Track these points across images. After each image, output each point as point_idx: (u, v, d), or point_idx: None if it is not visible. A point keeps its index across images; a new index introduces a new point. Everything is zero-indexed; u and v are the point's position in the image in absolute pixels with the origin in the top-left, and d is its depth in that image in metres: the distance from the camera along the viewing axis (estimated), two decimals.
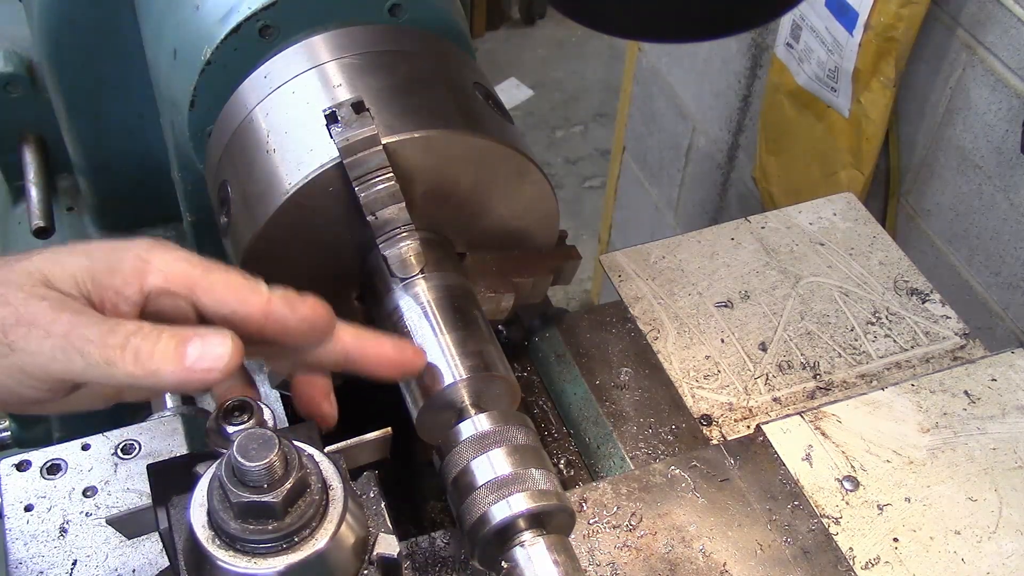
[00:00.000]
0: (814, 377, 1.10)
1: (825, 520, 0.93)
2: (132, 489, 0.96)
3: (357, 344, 0.77)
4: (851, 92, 1.78)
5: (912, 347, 1.13)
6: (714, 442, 1.03)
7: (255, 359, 0.78)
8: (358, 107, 0.84)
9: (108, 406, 0.77)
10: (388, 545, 0.73)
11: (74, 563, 0.90)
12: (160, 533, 0.77)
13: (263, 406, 0.75)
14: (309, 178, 0.86)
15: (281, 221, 0.88)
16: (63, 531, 0.92)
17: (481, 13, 4.80)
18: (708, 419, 1.06)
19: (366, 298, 0.95)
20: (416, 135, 0.88)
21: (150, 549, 0.91)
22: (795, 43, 1.91)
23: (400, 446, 0.86)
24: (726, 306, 1.17)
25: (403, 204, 0.86)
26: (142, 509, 0.79)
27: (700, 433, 1.06)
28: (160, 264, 0.71)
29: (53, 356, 0.65)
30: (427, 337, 0.86)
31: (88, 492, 0.95)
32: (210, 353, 0.66)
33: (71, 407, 0.74)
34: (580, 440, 1.11)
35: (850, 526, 0.93)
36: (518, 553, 0.77)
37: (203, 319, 0.72)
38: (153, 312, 0.71)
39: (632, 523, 0.93)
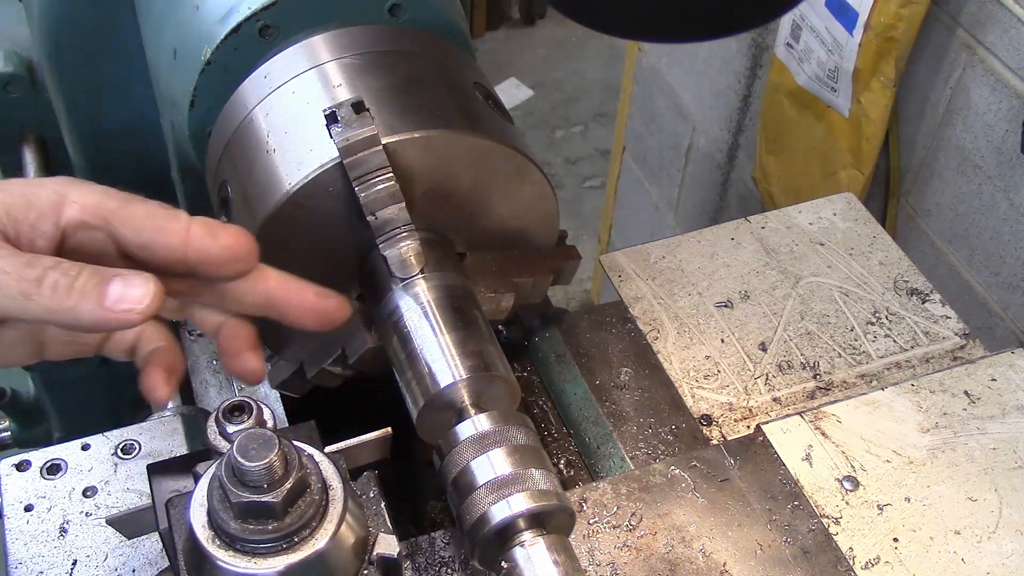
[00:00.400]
0: (814, 377, 1.10)
1: (825, 520, 0.93)
2: (132, 489, 0.96)
3: (281, 287, 0.76)
4: (851, 92, 1.78)
5: (912, 347, 1.13)
6: (714, 442, 1.03)
7: (179, 298, 0.76)
8: (358, 107, 0.83)
9: (32, 361, 0.77)
10: (388, 545, 0.73)
11: (74, 563, 0.90)
12: (160, 533, 0.77)
13: (263, 406, 0.75)
14: (309, 178, 0.86)
15: (281, 221, 0.88)
16: (63, 531, 0.92)
17: (481, 13, 4.80)
18: (708, 419, 1.06)
19: (366, 298, 0.95)
20: (416, 135, 0.88)
21: (150, 549, 0.91)
22: (795, 43, 1.91)
23: (400, 446, 0.86)
24: (726, 306, 1.17)
25: (403, 204, 0.86)
26: (142, 509, 0.79)
27: (700, 433, 1.06)
28: (76, 196, 0.69)
29: None
30: (427, 337, 0.86)
31: (88, 492, 0.95)
32: (131, 294, 0.65)
33: None
34: (580, 440, 1.11)
35: (850, 526, 0.93)
36: (518, 553, 0.77)
37: (123, 256, 0.71)
38: (72, 249, 0.69)
39: (632, 523, 0.93)
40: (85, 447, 0.99)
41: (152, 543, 0.91)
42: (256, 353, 0.78)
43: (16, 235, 0.68)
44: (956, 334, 1.14)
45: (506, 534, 0.77)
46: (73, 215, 0.69)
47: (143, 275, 0.66)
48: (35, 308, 0.64)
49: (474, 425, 0.80)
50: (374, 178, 0.85)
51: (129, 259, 0.71)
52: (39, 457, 0.98)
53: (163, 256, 0.70)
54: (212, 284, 0.74)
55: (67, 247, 0.69)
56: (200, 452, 0.80)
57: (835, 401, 1.03)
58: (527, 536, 0.77)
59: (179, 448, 1.00)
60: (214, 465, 0.69)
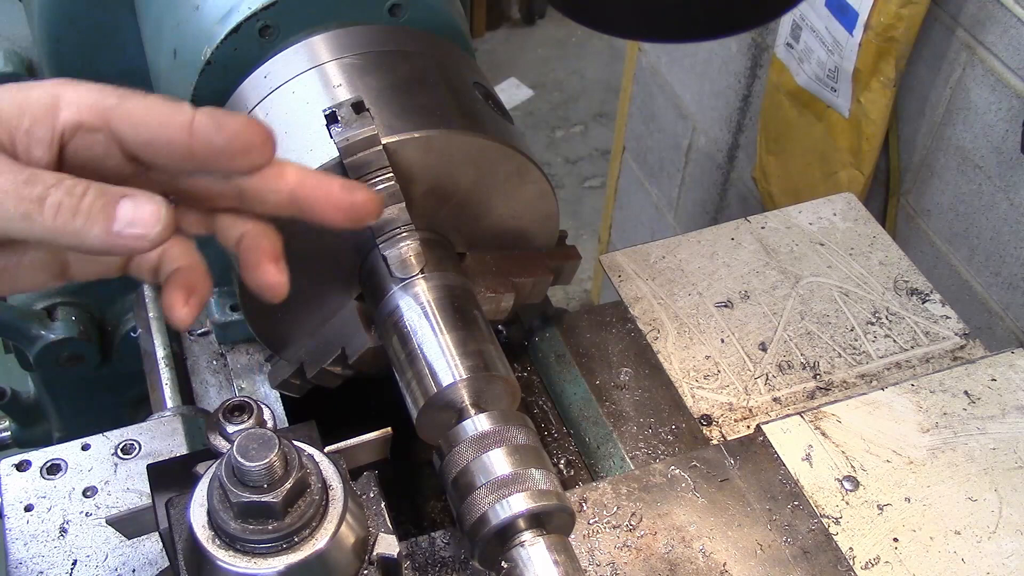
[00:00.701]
0: (814, 377, 1.10)
1: (825, 520, 0.93)
2: (132, 489, 0.96)
3: (302, 181, 0.70)
4: (851, 92, 1.78)
5: (912, 347, 1.13)
6: (714, 442, 1.03)
7: (195, 204, 0.70)
8: (358, 107, 0.84)
9: (57, 283, 0.72)
10: (388, 545, 0.73)
11: (74, 563, 0.90)
12: (160, 533, 0.77)
13: (263, 406, 0.75)
14: None
15: (281, 221, 0.88)
16: (63, 531, 0.92)
17: (481, 13, 4.80)
18: (708, 419, 1.06)
19: (366, 298, 0.95)
20: (416, 135, 0.88)
21: (150, 549, 0.91)
22: (795, 43, 1.91)
23: (400, 446, 0.86)
24: (726, 306, 1.17)
25: (403, 204, 0.86)
26: (142, 509, 0.79)
27: (700, 433, 1.06)
28: (71, 97, 0.64)
29: None
30: (427, 337, 0.86)
31: (88, 492, 0.95)
32: (141, 218, 0.61)
33: (13, 280, 0.69)
34: (580, 440, 1.11)
35: (850, 526, 0.93)
36: (518, 553, 0.77)
37: (129, 159, 0.66)
38: (72, 156, 0.65)
39: (632, 523, 0.93)
40: (85, 447, 0.99)
41: (152, 543, 0.91)
42: (278, 266, 0.71)
43: (12, 144, 0.63)
44: (956, 334, 1.14)
45: (506, 534, 0.77)
46: (69, 117, 0.64)
47: (153, 197, 0.62)
48: (37, 230, 0.60)
49: (474, 425, 0.80)
50: (374, 178, 0.85)
51: (135, 161, 0.66)
52: (39, 457, 0.98)
53: (168, 153, 0.65)
54: (228, 182, 0.69)
55: (67, 155, 0.65)
56: (200, 452, 0.80)
57: (835, 401, 1.03)
58: (527, 536, 0.77)
59: (179, 448, 1.00)
60: (214, 465, 0.69)
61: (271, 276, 0.71)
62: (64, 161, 0.65)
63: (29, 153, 0.63)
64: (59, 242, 0.61)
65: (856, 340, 1.13)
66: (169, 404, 1.11)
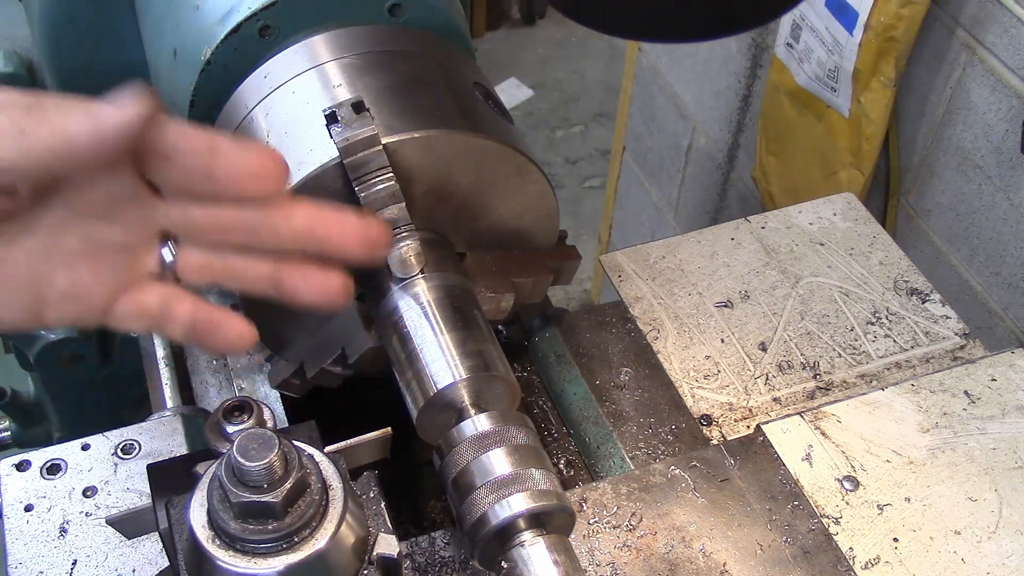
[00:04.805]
0: (814, 377, 1.10)
1: (825, 520, 0.93)
2: (132, 489, 0.96)
3: (317, 214, 0.68)
4: (851, 92, 1.78)
5: (912, 347, 1.13)
6: (714, 442, 1.03)
7: (205, 239, 0.68)
8: (358, 107, 0.84)
9: (32, 325, 0.69)
10: (388, 545, 0.73)
11: (74, 563, 0.90)
12: (160, 533, 0.77)
13: (263, 406, 0.75)
14: (309, 178, 0.86)
15: None
16: (63, 531, 0.92)
17: (481, 13, 4.80)
18: (708, 419, 1.06)
19: (366, 298, 0.95)
20: (416, 135, 0.88)
21: (150, 549, 0.91)
22: (795, 43, 1.91)
23: (400, 446, 0.86)
24: (726, 306, 1.17)
25: (403, 204, 0.86)
26: (142, 509, 0.79)
27: (700, 433, 1.06)
28: None
29: None
30: (427, 337, 0.86)
31: (88, 492, 0.95)
32: (121, 104, 0.61)
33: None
34: (580, 440, 1.11)
35: (850, 526, 0.93)
36: (518, 553, 0.77)
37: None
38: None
39: (632, 523, 0.93)
40: (85, 447, 0.99)
41: (152, 543, 0.91)
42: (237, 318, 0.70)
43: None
44: (956, 334, 1.14)
45: (506, 534, 0.77)
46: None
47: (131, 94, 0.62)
48: (33, 145, 0.59)
49: (474, 425, 0.80)
50: (374, 178, 0.85)
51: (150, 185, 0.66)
52: (39, 457, 0.98)
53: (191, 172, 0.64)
54: (241, 212, 0.67)
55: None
56: (200, 452, 0.80)
57: (835, 401, 1.03)
58: (527, 536, 0.77)
59: (179, 448, 1.00)
60: (214, 465, 0.69)
61: (234, 328, 0.70)
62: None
63: None
64: (51, 154, 0.60)
65: (856, 340, 1.13)
66: (169, 404, 1.11)
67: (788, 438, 0.99)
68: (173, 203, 0.67)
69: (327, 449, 0.77)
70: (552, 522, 0.79)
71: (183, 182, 0.65)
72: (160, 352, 1.20)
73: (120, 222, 0.67)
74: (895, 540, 0.92)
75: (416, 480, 1.14)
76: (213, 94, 0.98)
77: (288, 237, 0.68)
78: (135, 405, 1.50)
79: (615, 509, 0.94)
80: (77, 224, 0.66)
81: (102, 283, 0.67)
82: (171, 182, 0.66)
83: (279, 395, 1.10)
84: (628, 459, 1.05)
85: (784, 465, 0.97)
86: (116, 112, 0.61)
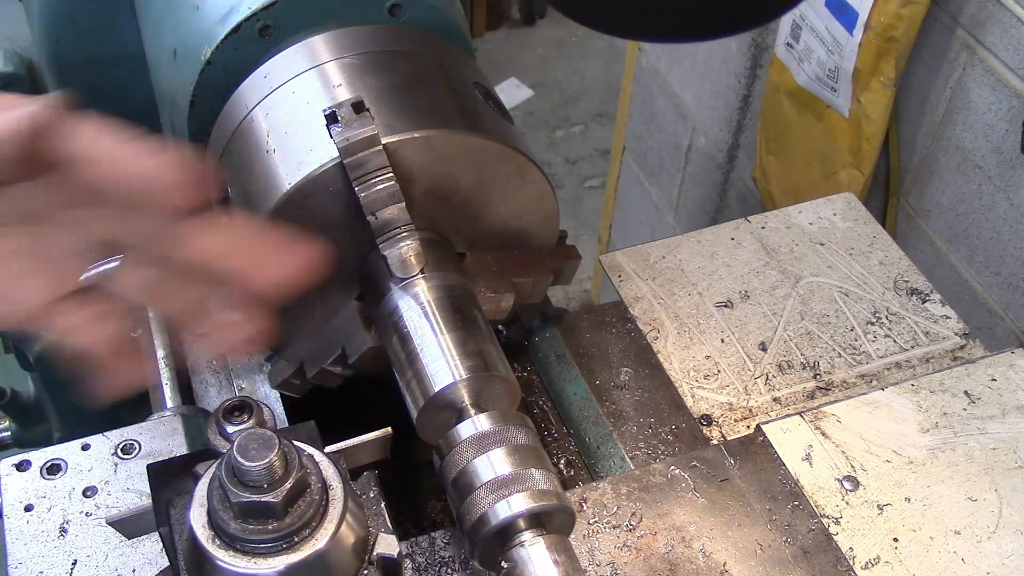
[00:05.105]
0: (814, 377, 1.10)
1: (825, 520, 0.93)
2: (132, 489, 0.96)
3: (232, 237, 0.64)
4: (851, 92, 1.78)
5: (912, 347, 1.13)
6: (714, 442, 1.03)
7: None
8: (358, 107, 0.84)
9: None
10: (388, 545, 0.73)
11: (74, 563, 0.90)
12: (160, 533, 0.77)
13: (263, 406, 0.75)
14: (309, 178, 0.86)
15: (281, 220, 0.88)
16: (63, 531, 0.92)
17: (481, 13, 4.80)
18: (708, 419, 1.06)
19: (366, 298, 0.95)
20: (416, 135, 0.88)
21: (150, 549, 0.91)
22: (795, 43, 1.91)
23: (400, 446, 0.86)
24: (726, 306, 1.17)
25: (403, 204, 0.86)
26: (142, 509, 0.79)
27: (700, 433, 1.06)
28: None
29: None
30: (427, 337, 0.86)
31: (88, 492, 0.95)
32: (13, 106, 0.59)
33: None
34: (580, 440, 1.11)
35: (850, 526, 0.93)
36: (518, 553, 0.77)
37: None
38: None
39: (632, 523, 0.93)
40: (85, 447, 0.99)
41: (152, 543, 0.91)
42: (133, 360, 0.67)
43: None
44: (956, 334, 1.14)
45: (506, 534, 0.77)
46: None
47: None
48: None
49: (474, 425, 0.80)
50: (374, 178, 0.85)
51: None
52: (39, 457, 0.98)
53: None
54: (158, 225, 0.63)
55: None
56: (200, 452, 0.80)
57: (835, 401, 1.03)
58: (527, 536, 0.77)
59: (179, 448, 1.00)
60: (214, 465, 0.69)
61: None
62: None
63: None
64: None
65: (856, 340, 1.13)
66: (169, 404, 1.11)
67: (788, 438, 0.99)
68: (116, 214, 0.63)
69: (327, 449, 0.77)
70: (552, 522, 0.79)
71: (99, 191, 0.62)
72: (160, 352, 1.20)
73: (66, 228, 0.64)
74: (895, 540, 0.92)
75: (416, 480, 1.14)
76: (213, 94, 0.97)
77: (198, 259, 0.64)
78: (135, 405, 1.50)
79: (615, 509, 0.94)
80: (15, 226, 0.64)
81: (33, 287, 0.64)
82: (85, 191, 0.63)
83: (279, 395, 1.10)
84: (628, 459, 1.05)
85: (784, 465, 0.97)
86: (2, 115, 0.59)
